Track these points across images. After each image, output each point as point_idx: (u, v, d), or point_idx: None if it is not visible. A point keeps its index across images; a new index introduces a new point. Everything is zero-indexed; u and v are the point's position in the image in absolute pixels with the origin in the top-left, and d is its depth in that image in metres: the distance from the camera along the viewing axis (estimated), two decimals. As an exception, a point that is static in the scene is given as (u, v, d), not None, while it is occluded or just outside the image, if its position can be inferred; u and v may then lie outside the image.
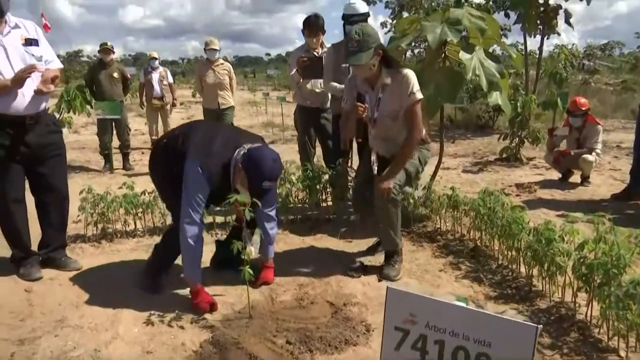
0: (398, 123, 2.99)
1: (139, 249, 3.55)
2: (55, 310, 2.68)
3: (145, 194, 3.76)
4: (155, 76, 7.60)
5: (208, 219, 3.62)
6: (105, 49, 6.70)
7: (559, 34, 7.48)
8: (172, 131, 2.97)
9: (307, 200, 4.15)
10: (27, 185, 3.10)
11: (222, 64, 6.50)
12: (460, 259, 3.31)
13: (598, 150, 5.45)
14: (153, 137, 7.81)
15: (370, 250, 3.48)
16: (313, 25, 4.29)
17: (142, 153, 7.99)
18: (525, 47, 7.57)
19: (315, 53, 4.32)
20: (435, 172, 4.32)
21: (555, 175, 5.80)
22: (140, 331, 2.46)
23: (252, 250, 2.81)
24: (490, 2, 12.66)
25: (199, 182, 2.53)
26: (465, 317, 1.58)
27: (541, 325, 1.62)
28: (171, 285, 2.88)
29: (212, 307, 2.63)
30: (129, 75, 7.28)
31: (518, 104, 6.56)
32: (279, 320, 2.52)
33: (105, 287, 2.91)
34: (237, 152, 2.60)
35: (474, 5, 11.30)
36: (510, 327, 1.51)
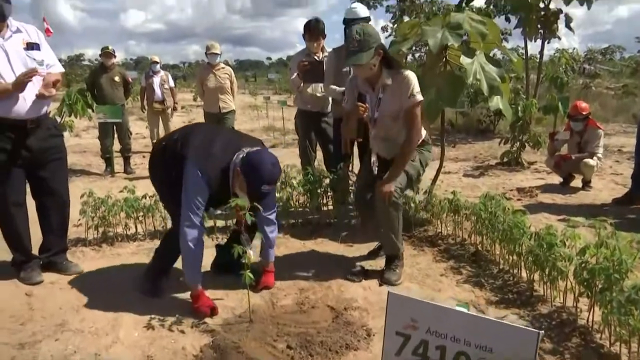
0: (398, 123, 2.99)
1: (140, 253, 3.55)
2: (56, 314, 2.68)
3: (146, 198, 3.76)
4: (156, 80, 7.62)
5: (209, 223, 3.62)
6: (106, 53, 6.72)
7: (559, 38, 7.49)
8: (171, 134, 2.97)
9: (308, 205, 4.15)
10: (28, 189, 3.10)
11: (223, 67, 6.52)
12: (461, 263, 3.31)
13: (599, 155, 5.44)
14: (154, 141, 7.81)
15: (371, 255, 3.47)
16: (314, 30, 4.30)
17: (143, 157, 7.98)
18: (526, 51, 7.58)
19: (316, 57, 4.33)
20: (436, 177, 4.32)
21: (556, 179, 5.79)
22: (140, 335, 2.46)
23: (251, 254, 2.80)
24: (491, 7, 12.66)
25: (198, 185, 2.53)
26: (467, 323, 1.57)
27: (543, 331, 1.61)
28: (172, 289, 2.88)
29: (213, 311, 2.62)
30: (130, 79, 7.29)
31: (519, 108, 6.56)
32: (280, 325, 2.51)
33: (105, 290, 2.91)
34: (236, 155, 2.60)
35: (474, 10, 11.33)
36: (512, 333, 1.50)
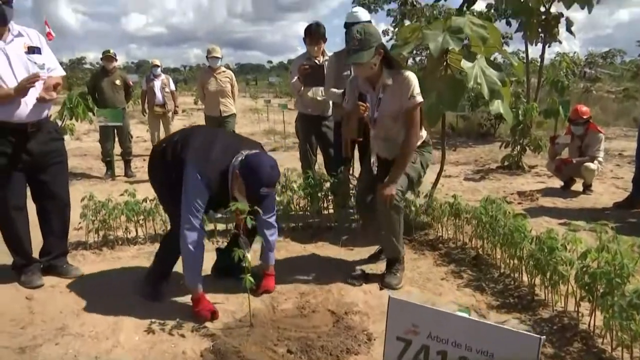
0: (398, 124, 2.99)
1: (140, 257, 3.55)
2: (56, 318, 2.67)
3: (146, 201, 3.76)
4: (157, 83, 7.63)
5: (209, 227, 3.62)
6: (107, 57, 6.74)
7: (560, 42, 7.49)
8: (171, 136, 2.97)
9: (308, 208, 4.14)
10: (28, 193, 3.10)
11: (224, 71, 6.52)
12: (462, 267, 3.30)
13: (600, 159, 5.44)
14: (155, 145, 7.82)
15: (372, 258, 3.47)
16: (314, 34, 4.31)
17: (144, 160, 7.98)
18: (527, 55, 7.59)
19: (316, 61, 4.33)
20: (437, 180, 4.32)
21: (557, 183, 5.79)
22: (141, 339, 2.45)
23: (248, 256, 2.80)
24: (492, 11, 12.70)
25: (198, 188, 2.53)
26: (468, 328, 1.57)
27: (544, 337, 1.61)
28: (172, 293, 2.88)
29: (213, 315, 2.61)
30: (131, 83, 7.31)
31: (519, 112, 6.56)
32: (280, 329, 2.51)
33: (106, 294, 2.91)
34: (235, 158, 2.59)
35: (475, 14, 11.35)
36: (513, 338, 1.50)
